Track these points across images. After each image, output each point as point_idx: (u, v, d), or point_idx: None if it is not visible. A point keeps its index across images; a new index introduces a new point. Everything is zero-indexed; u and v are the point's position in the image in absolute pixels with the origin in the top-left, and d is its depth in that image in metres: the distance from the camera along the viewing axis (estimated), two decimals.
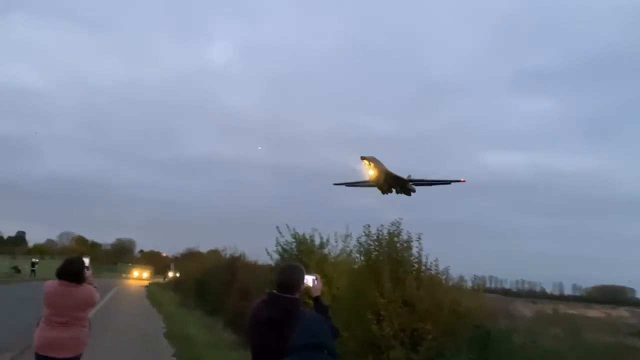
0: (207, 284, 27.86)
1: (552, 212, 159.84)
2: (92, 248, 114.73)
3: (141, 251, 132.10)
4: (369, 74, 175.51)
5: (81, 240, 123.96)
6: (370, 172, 24.10)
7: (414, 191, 26.76)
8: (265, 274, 16.45)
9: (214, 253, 41.02)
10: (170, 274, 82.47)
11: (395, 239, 11.00)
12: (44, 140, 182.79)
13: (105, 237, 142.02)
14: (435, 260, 10.91)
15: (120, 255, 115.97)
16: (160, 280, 76.06)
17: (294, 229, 15.09)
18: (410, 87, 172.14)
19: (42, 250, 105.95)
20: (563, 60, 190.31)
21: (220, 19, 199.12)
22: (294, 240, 15.03)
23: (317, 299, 4.46)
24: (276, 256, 15.53)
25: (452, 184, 25.86)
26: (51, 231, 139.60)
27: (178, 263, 68.02)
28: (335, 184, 27.38)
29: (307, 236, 14.91)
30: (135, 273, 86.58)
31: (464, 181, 25.28)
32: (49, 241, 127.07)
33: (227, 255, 28.90)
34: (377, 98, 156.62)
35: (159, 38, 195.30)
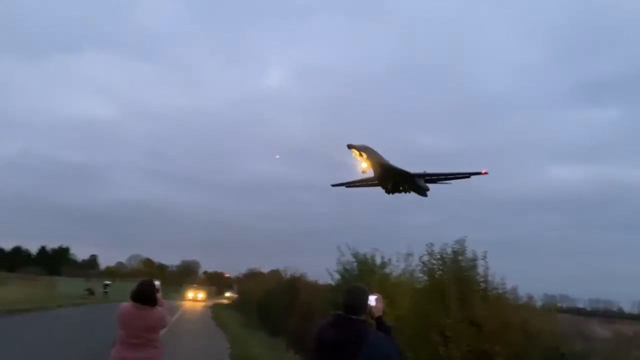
0: (269, 304, 28.13)
1: (625, 226, 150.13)
2: (159, 270, 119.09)
3: (205, 272, 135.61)
4: (421, 91, 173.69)
5: (149, 262, 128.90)
6: (363, 165, 22.28)
7: (427, 189, 24.78)
8: (327, 295, 16.41)
9: (275, 273, 41.50)
10: (228, 294, 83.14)
11: (460, 257, 10.69)
12: (113, 168, 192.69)
13: (171, 258, 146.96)
14: (502, 279, 10.53)
15: (186, 276, 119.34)
16: (224, 300, 77.10)
17: (355, 249, 15.00)
18: (463, 103, 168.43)
19: (113, 273, 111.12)
20: (626, 66, 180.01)
21: (275, 44, 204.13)
22: (354, 260, 14.93)
23: (379, 319, 4.42)
24: (337, 276, 15.49)
25: (473, 177, 23.62)
26: (121, 254, 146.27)
27: (240, 283, 69.04)
28: (333, 185, 25.78)
29: (368, 256, 14.77)
30: (190, 294, 79.81)
31: (485, 173, 23.12)
32: (119, 264, 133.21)
33: (288, 276, 29.12)
34: (430, 115, 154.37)
35: (216, 66, 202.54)
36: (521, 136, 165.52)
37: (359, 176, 24.02)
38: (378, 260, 14.61)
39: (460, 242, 10.92)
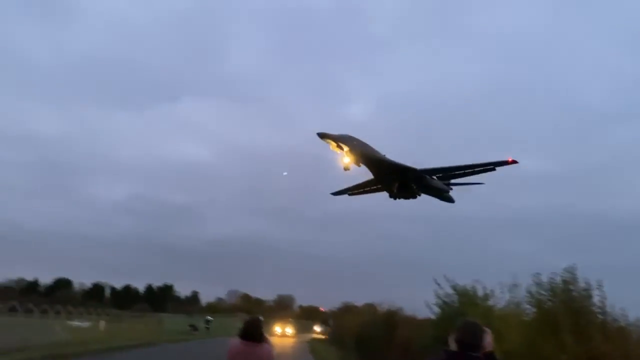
0: (366, 338, 27.72)
1: None
2: (256, 304, 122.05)
3: (300, 306, 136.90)
4: (516, 111, 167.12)
5: (246, 297, 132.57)
6: (345, 160, 19.48)
7: (446, 191, 21.53)
8: (428, 329, 15.89)
9: (370, 307, 40.94)
10: (317, 329, 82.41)
11: (571, 286, 9.97)
12: (211, 206, 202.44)
13: (267, 293, 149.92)
14: (622, 310, 9.66)
15: (281, 310, 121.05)
16: (315, 335, 76.75)
17: (453, 280, 14.46)
18: (565, 120, 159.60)
19: (213, 308, 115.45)
20: None
21: (358, 77, 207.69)
22: (454, 292, 14.38)
23: (490, 355, 4.25)
24: (436, 309, 14.98)
25: (498, 168, 20.47)
26: (220, 290, 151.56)
27: (335, 317, 68.77)
28: (333, 194, 23.08)
29: (468, 287, 14.17)
30: (278, 329, 72.36)
31: (512, 161, 19.80)
32: (219, 299, 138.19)
33: (384, 309, 28.64)
34: (528, 135, 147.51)
35: (302, 102, 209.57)
36: (630, 151, 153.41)
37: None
38: (480, 292, 13.98)
39: (570, 270, 10.21)
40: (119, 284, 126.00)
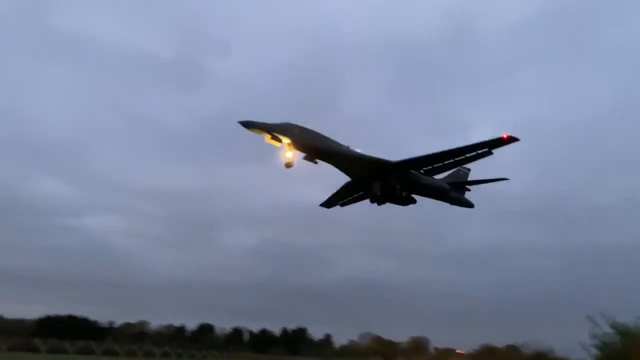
0: None
1: None
2: (389, 347, 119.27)
3: (436, 348, 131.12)
4: None
5: (378, 339, 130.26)
6: (287, 155, 16.13)
7: (447, 189, 17.48)
8: None
9: (512, 349, 38.15)
10: None
11: None
12: (341, 249, 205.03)
13: (400, 335, 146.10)
14: None
15: (416, 353, 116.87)
16: None
17: (612, 318, 12.96)
18: None
19: (346, 351, 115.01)
20: None
21: (476, 106, 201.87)
22: (614, 331, 12.86)
23: None
24: (594, 351, 13.50)
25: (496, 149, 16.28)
26: (352, 332, 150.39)
27: None
28: (322, 206, 19.88)
29: (631, 325, 12.59)
30: None
31: (508, 137, 15.77)
32: (351, 342, 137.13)
33: (530, 351, 26.48)
34: None
35: (420, 138, 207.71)
36: None
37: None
38: None
39: None
40: (256, 328, 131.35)
